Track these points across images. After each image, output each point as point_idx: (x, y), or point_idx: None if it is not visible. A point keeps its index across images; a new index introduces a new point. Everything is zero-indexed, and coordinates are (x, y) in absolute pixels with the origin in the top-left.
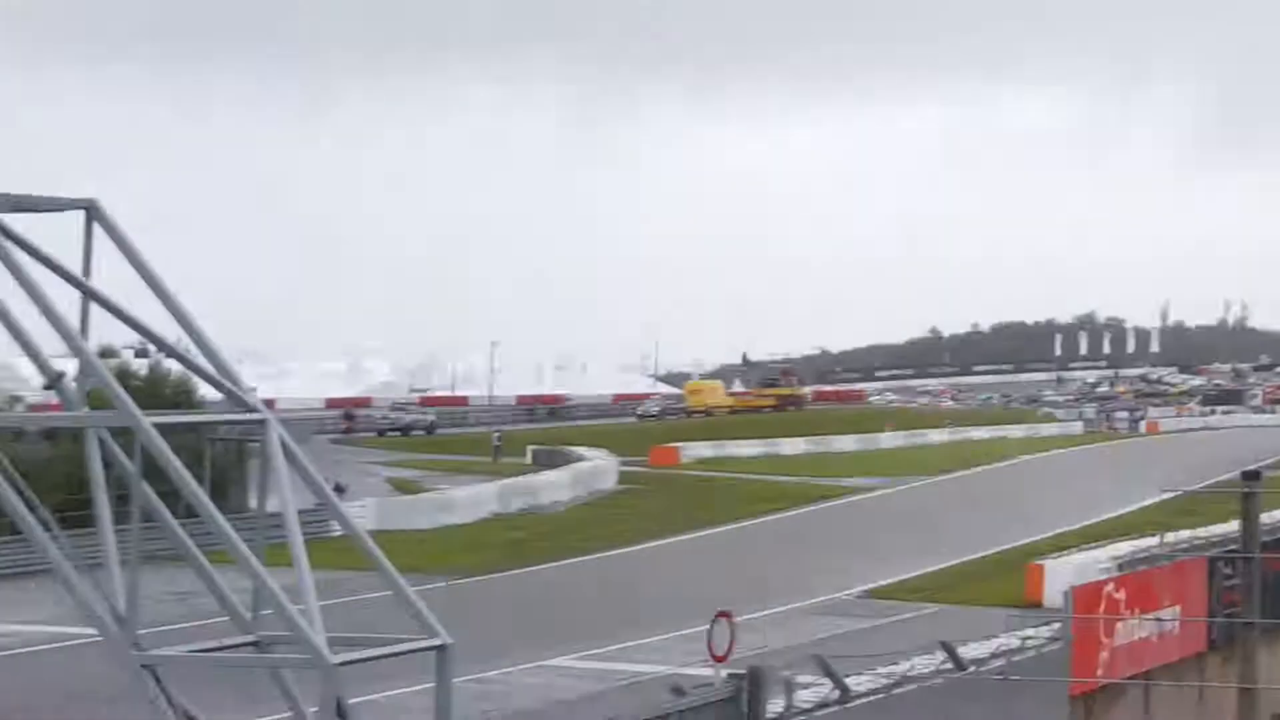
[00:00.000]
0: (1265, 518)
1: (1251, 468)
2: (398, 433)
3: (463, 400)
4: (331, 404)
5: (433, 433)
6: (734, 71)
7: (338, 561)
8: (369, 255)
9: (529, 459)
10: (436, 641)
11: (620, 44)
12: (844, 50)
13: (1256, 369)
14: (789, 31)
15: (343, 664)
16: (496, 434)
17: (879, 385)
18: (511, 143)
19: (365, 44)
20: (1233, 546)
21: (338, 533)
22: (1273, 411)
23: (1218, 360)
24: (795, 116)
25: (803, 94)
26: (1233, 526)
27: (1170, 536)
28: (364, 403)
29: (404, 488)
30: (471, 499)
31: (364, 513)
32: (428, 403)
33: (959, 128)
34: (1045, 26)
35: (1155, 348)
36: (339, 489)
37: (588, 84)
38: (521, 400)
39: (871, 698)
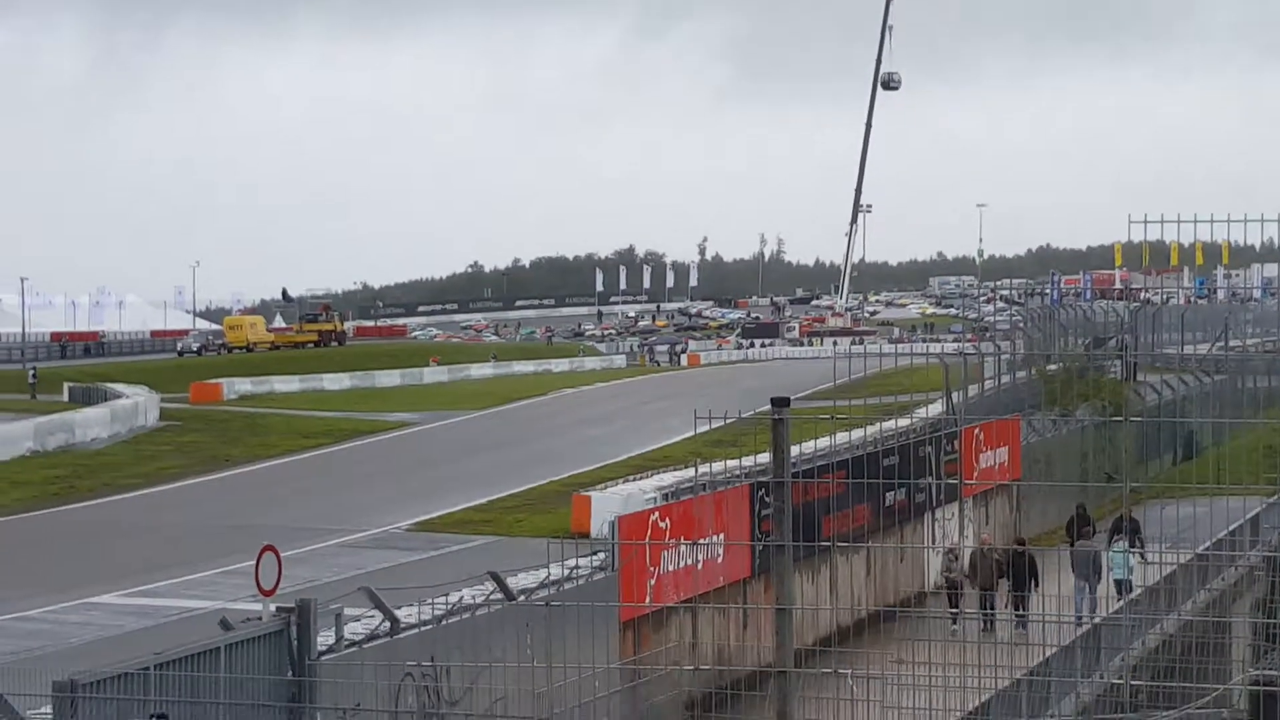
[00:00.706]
0: (801, 447)
1: (781, 395)
2: None
3: None
4: None
5: None
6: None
7: None
8: None
9: (66, 396)
10: None
11: None
12: None
13: (793, 301)
14: None
15: None
16: (31, 370)
17: (421, 320)
18: (43, 76)
19: None
20: (768, 476)
21: None
22: (809, 344)
23: (755, 294)
24: (346, 48)
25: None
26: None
27: (711, 466)
28: None
29: None
30: (6, 436)
31: None
32: None
33: (496, 65)
34: None
35: (694, 282)
36: None
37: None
38: (55, 337)
39: (421, 628)
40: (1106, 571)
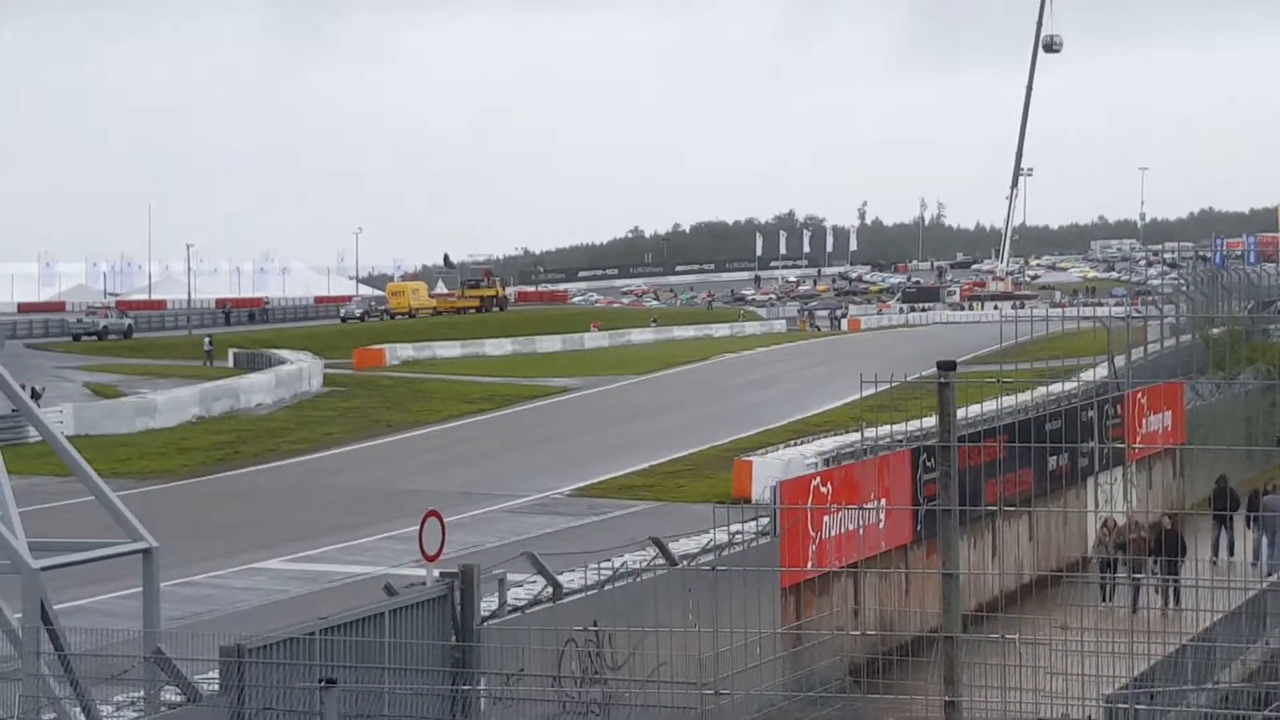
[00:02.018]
0: (965, 411)
1: (946, 359)
2: (93, 337)
3: (160, 304)
4: (24, 308)
5: (130, 337)
6: None
7: (35, 468)
8: (61, 157)
9: (230, 362)
10: (142, 545)
11: None
12: None
13: (953, 266)
14: None
15: (45, 569)
16: (207, 338)
17: (582, 285)
18: (213, 44)
19: None
20: (933, 440)
21: (35, 439)
22: (969, 308)
23: (915, 259)
24: (510, 20)
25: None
26: (934, 420)
27: (873, 431)
28: (59, 307)
29: (102, 392)
30: (173, 403)
31: (61, 418)
32: (124, 307)
33: (661, 28)
34: None
35: (854, 246)
36: (35, 394)
37: None
38: (220, 303)
39: (584, 594)
40: None
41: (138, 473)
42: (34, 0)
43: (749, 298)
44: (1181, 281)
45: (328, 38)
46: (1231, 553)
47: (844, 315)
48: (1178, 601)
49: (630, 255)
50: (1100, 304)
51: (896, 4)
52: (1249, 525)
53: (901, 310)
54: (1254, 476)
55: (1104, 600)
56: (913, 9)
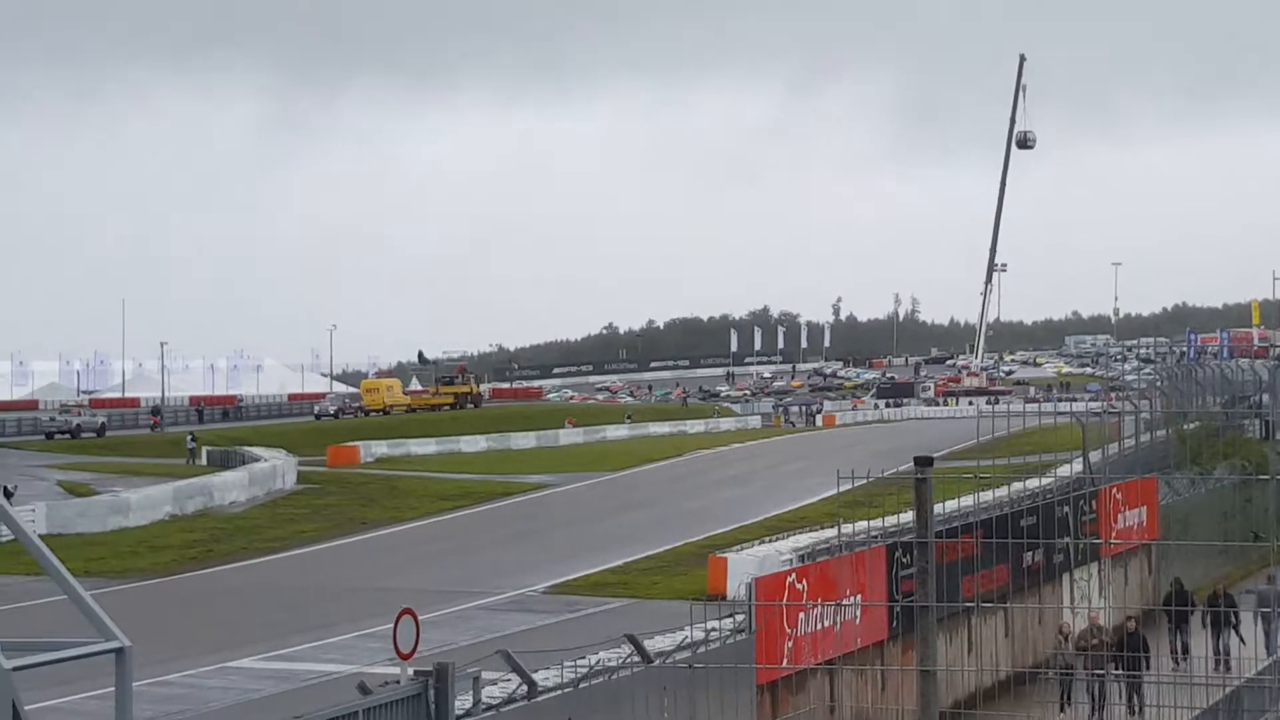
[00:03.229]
0: (941, 506)
1: (923, 455)
2: (66, 435)
3: (134, 402)
4: None
5: (103, 435)
6: (408, 76)
7: (8, 568)
8: (35, 255)
9: (204, 460)
10: (115, 644)
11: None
12: (532, 51)
13: (928, 361)
14: (438, 33)
15: (17, 669)
16: (190, 435)
17: (557, 382)
18: (191, 147)
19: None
20: (909, 536)
21: (7, 537)
22: (944, 404)
23: (889, 354)
24: (476, 116)
25: (505, 92)
26: (910, 516)
27: (849, 527)
28: (33, 405)
29: (76, 491)
30: (146, 501)
31: (34, 517)
32: (97, 405)
33: (629, 128)
34: (723, 26)
35: (828, 342)
36: (7, 492)
37: (252, 89)
38: (194, 400)
39: (559, 692)
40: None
41: (111, 571)
42: (9, 96)
43: (723, 394)
44: (1156, 377)
45: (305, 134)
46: (1186, 655)
47: (819, 411)
48: (1142, 704)
49: (605, 351)
50: (1075, 399)
51: (874, 101)
52: (1204, 625)
53: (877, 406)
54: (1226, 572)
55: (1062, 711)
56: (889, 107)
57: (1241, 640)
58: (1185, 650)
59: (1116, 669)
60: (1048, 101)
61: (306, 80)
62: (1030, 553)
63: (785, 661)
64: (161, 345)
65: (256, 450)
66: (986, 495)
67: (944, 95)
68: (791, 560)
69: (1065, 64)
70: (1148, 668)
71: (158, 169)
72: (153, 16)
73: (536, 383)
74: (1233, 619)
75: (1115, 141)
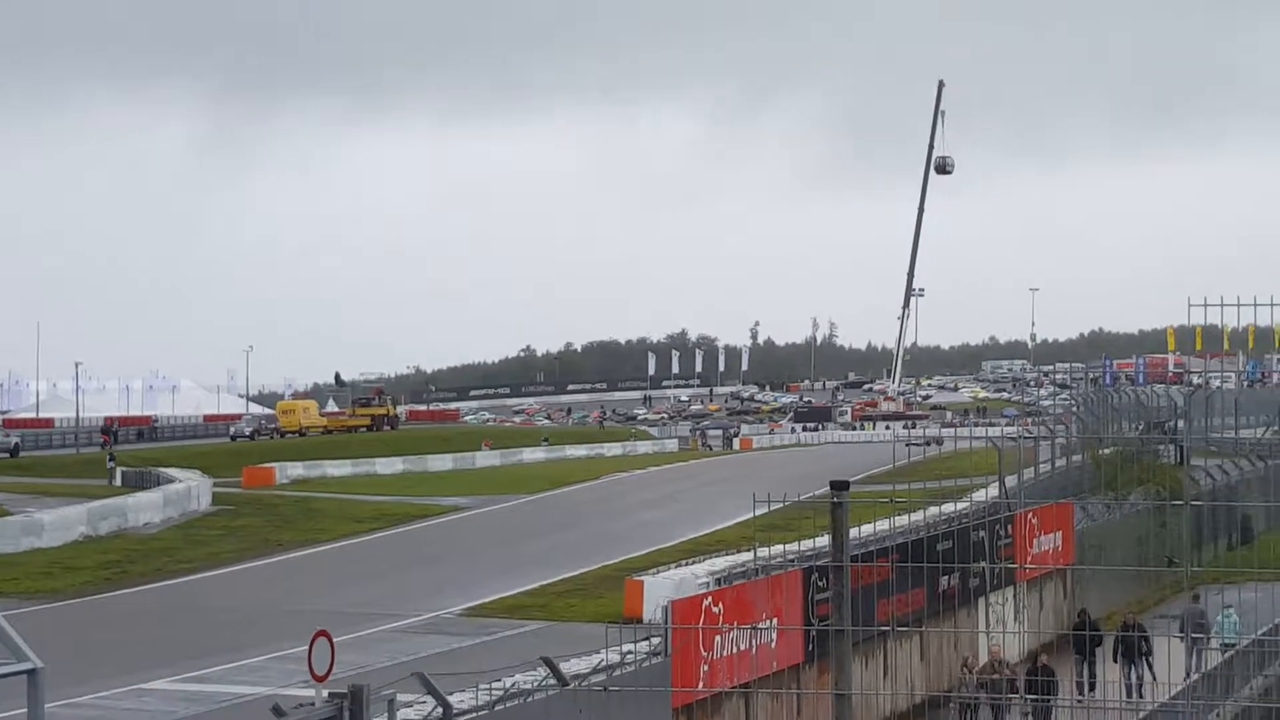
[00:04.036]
0: (857, 530)
1: (839, 479)
2: None
3: (48, 423)
4: None
5: (16, 455)
6: (344, 95)
7: None
8: None
9: (118, 480)
10: (27, 666)
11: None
12: (462, 73)
13: (845, 386)
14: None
15: None
16: (110, 455)
17: (474, 404)
18: (113, 165)
19: None
20: (825, 560)
21: None
22: (861, 428)
23: (807, 378)
24: (402, 137)
25: (435, 114)
26: (826, 540)
27: (765, 550)
28: None
29: None
30: (60, 522)
31: None
32: (10, 425)
33: (555, 154)
34: (653, 50)
35: (746, 366)
36: None
37: (182, 107)
38: (108, 421)
39: (474, 714)
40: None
41: (23, 592)
42: None
43: (640, 417)
44: (1072, 402)
45: (229, 155)
46: (1093, 688)
47: (736, 435)
48: None
49: (522, 374)
50: (991, 424)
51: (800, 126)
52: (1116, 658)
53: (794, 430)
54: (1141, 597)
55: None
56: (814, 131)
57: (1154, 676)
58: (1092, 683)
59: (1022, 703)
60: (974, 128)
61: (235, 100)
62: (946, 577)
63: (701, 684)
64: (76, 365)
65: (172, 471)
66: (902, 519)
67: (869, 120)
68: (708, 583)
69: (992, 90)
70: (1055, 704)
71: (76, 187)
72: (70, 27)
73: (453, 405)
74: (1144, 648)
75: (1039, 169)
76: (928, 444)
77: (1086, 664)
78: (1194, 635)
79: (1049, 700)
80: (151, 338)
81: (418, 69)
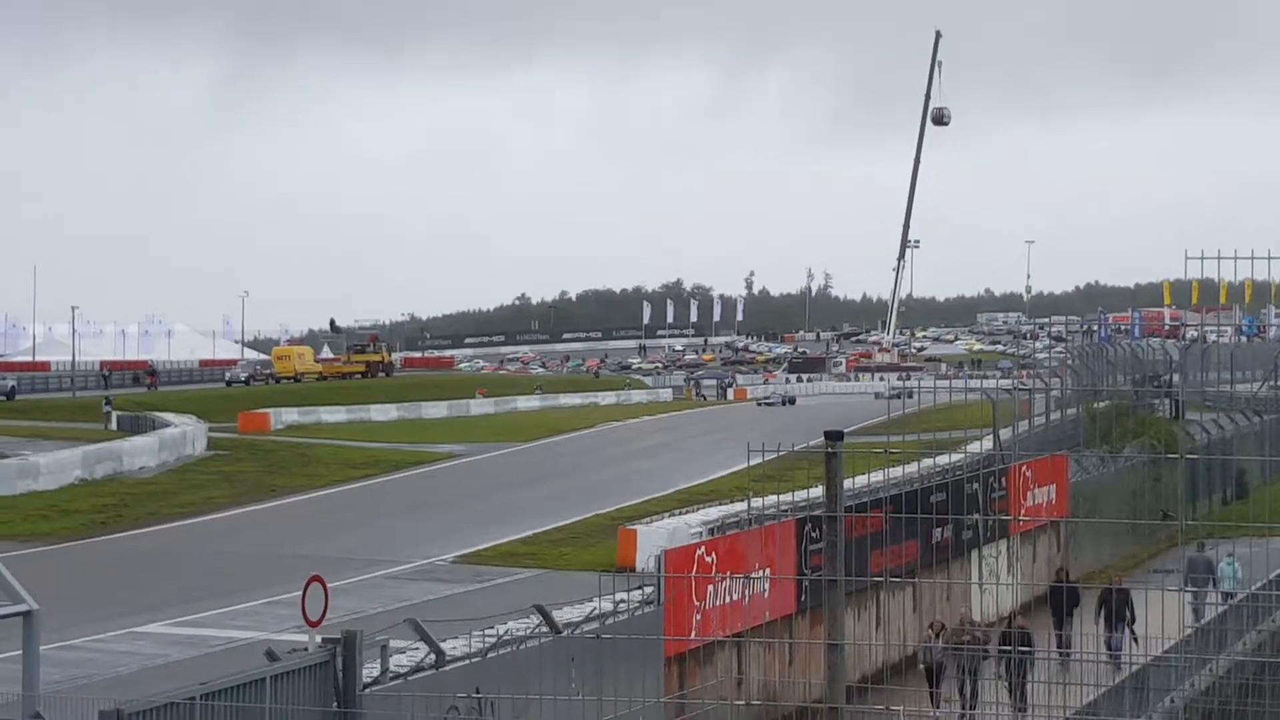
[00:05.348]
0: (851, 482)
1: (834, 429)
2: None
3: (44, 366)
4: None
5: (12, 398)
6: (341, 46)
7: None
8: None
9: (114, 424)
10: (23, 608)
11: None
12: (467, 24)
13: (840, 337)
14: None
15: None
16: (105, 399)
17: (468, 352)
18: (112, 110)
19: None
20: (819, 510)
21: None
22: (855, 379)
23: (802, 329)
24: (404, 88)
25: (438, 64)
26: (819, 491)
27: (759, 501)
28: None
29: None
30: (55, 465)
31: None
32: (7, 368)
33: (552, 102)
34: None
35: (741, 316)
36: None
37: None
38: (105, 365)
39: (467, 661)
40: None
41: (19, 535)
42: None
43: (635, 366)
44: (1067, 355)
45: (228, 103)
46: (1069, 648)
47: (730, 385)
48: (1024, 702)
49: (517, 322)
50: (986, 376)
51: (800, 79)
52: (1096, 620)
53: (787, 380)
54: (1133, 551)
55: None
56: (814, 84)
57: (1134, 638)
58: (1067, 644)
59: (995, 666)
60: (974, 78)
61: (242, 49)
62: (939, 529)
63: (693, 634)
64: (73, 309)
65: (167, 416)
66: (896, 471)
67: (867, 73)
68: (701, 533)
69: (990, 42)
70: (1031, 666)
71: (73, 134)
72: None
73: (448, 352)
74: (1127, 615)
75: (1037, 121)
76: (896, 395)
77: (1065, 625)
78: (1199, 584)
79: (1026, 655)
80: (148, 281)
81: (420, 18)
